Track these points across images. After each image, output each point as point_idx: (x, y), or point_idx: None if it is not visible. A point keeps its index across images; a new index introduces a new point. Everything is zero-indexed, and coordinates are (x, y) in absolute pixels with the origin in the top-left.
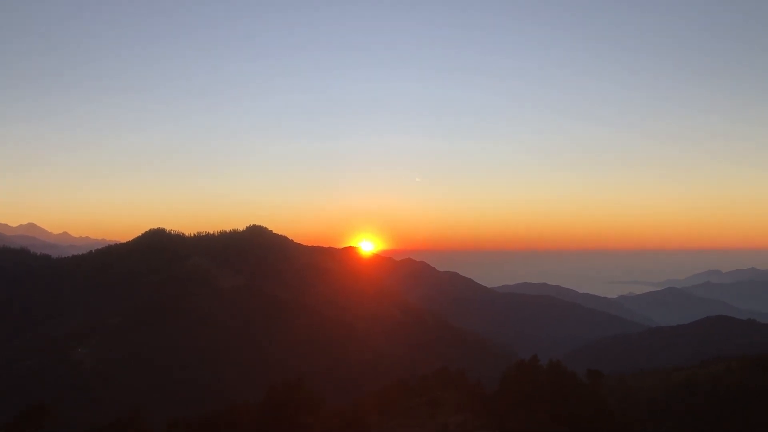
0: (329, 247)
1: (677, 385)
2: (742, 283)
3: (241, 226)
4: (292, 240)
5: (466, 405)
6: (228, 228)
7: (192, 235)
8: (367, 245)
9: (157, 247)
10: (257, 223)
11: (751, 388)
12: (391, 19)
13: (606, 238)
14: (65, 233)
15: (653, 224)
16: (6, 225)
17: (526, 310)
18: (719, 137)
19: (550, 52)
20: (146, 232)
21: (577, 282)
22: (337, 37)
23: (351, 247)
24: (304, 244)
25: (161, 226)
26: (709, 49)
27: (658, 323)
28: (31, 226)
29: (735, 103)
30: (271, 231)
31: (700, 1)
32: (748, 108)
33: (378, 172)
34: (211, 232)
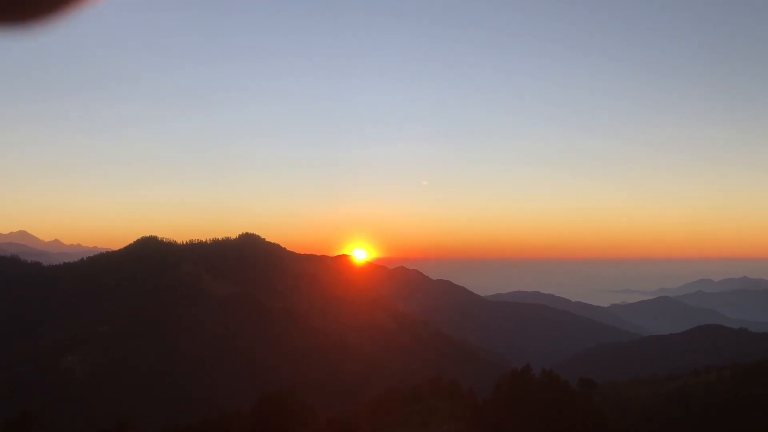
0: (322, 255)
1: (670, 394)
2: (734, 292)
3: (234, 234)
4: (284, 248)
5: (459, 414)
6: (221, 236)
7: (184, 242)
8: (360, 253)
9: (149, 255)
10: (250, 230)
11: (743, 397)
12: (388, 26)
13: (598, 247)
14: (57, 241)
15: (645, 233)
16: None
17: (519, 319)
18: (712, 145)
19: (550, 60)
20: (138, 239)
21: (570, 291)
22: (333, 43)
23: (344, 256)
24: (297, 252)
25: (153, 233)
26: (702, 56)
27: (651, 332)
28: (23, 233)
29: (727, 113)
30: (264, 239)
31: (700, 7)
32: (740, 117)
33: (372, 181)
34: (204, 240)
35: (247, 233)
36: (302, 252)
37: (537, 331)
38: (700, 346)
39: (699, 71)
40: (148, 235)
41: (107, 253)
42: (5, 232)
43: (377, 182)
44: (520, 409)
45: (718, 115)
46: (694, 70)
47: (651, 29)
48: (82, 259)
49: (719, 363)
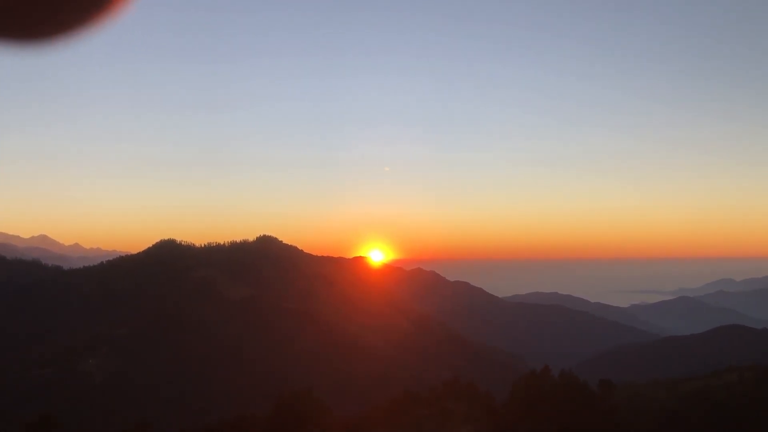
0: (339, 257)
1: (690, 395)
2: (755, 292)
3: (251, 237)
4: (302, 250)
5: (475, 416)
6: (238, 238)
7: (202, 245)
8: (377, 255)
9: (167, 258)
10: (268, 233)
11: (766, 398)
12: (403, 25)
13: (618, 247)
14: (77, 244)
15: (665, 232)
16: (18, 237)
17: (538, 320)
18: (733, 143)
19: (556, 56)
20: (156, 243)
21: (589, 291)
22: (347, 42)
23: (361, 257)
24: (314, 254)
25: (172, 237)
26: (721, 47)
27: (671, 332)
28: (43, 237)
29: (747, 108)
30: (281, 241)
31: (701, 4)
32: (761, 112)
33: (388, 182)
34: (222, 243)
35: (264, 235)
36: (319, 254)
37: (555, 332)
38: (722, 346)
39: (721, 66)
40: (166, 238)
41: (126, 256)
42: (26, 236)
43: (394, 183)
44: (538, 411)
45: (739, 111)
46: (716, 64)
47: (656, 26)
48: (102, 262)
49: (741, 364)
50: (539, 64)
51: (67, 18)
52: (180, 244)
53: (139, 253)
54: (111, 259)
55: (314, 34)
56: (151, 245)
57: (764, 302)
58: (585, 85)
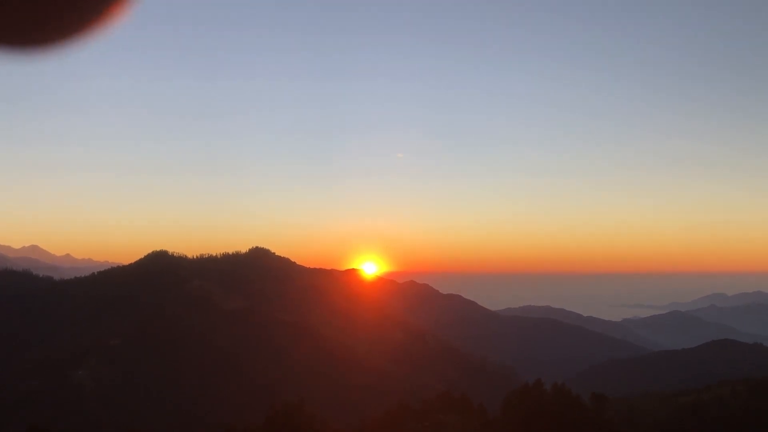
0: (332, 270)
1: (683, 409)
2: (747, 307)
3: (244, 248)
4: (294, 262)
5: (469, 429)
6: (231, 250)
7: (195, 257)
8: (370, 267)
9: (159, 270)
10: (260, 245)
11: (758, 411)
12: (398, 31)
13: (610, 261)
14: (68, 255)
15: (657, 247)
16: (9, 247)
17: (530, 333)
18: (726, 157)
19: (553, 66)
20: (148, 254)
21: (581, 305)
22: (341, 48)
23: (353, 270)
24: (307, 266)
25: (164, 248)
26: (716, 59)
27: (663, 347)
28: (34, 248)
29: (739, 122)
30: (274, 253)
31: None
32: (754, 128)
33: (381, 194)
34: (214, 254)
35: (257, 247)
36: (312, 266)
37: (548, 346)
38: (714, 360)
39: (714, 77)
40: (158, 249)
41: (118, 267)
42: (17, 246)
43: (387, 195)
44: (532, 424)
45: (730, 126)
46: (709, 75)
47: (657, 31)
48: (93, 273)
49: (733, 378)
50: (533, 73)
51: (63, 25)
52: (172, 255)
53: (130, 264)
54: (102, 270)
55: (309, 39)
56: (142, 256)
57: (755, 317)
58: (577, 98)
